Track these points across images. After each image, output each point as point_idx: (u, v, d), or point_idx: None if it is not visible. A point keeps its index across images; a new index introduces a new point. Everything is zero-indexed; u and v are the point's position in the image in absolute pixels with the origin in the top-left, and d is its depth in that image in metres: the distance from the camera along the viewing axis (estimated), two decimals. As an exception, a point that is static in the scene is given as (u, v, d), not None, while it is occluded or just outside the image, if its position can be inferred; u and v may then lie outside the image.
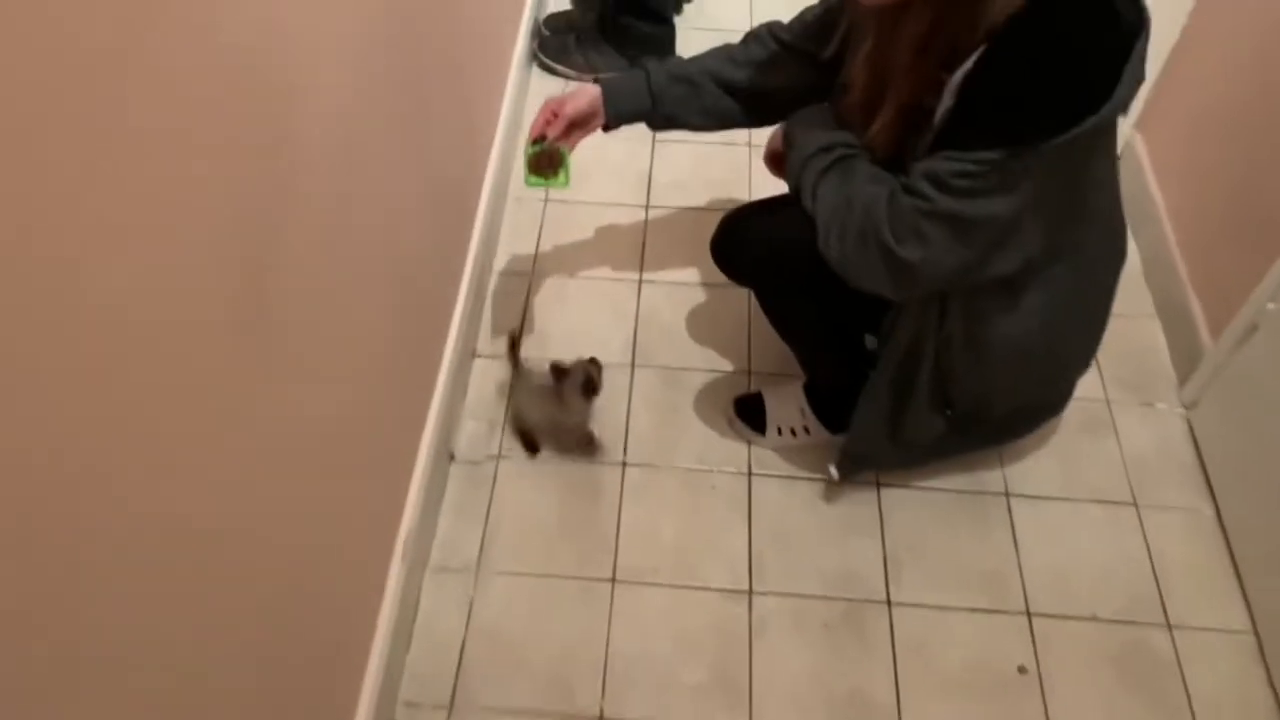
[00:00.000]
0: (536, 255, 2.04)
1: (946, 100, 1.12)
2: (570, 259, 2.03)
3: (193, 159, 0.75)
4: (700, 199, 2.15)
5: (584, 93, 1.53)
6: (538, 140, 1.57)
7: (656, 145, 2.23)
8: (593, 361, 1.66)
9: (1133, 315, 1.92)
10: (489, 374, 1.85)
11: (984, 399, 1.46)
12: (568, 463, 1.72)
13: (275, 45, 0.89)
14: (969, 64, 1.09)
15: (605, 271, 2.01)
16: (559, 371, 1.65)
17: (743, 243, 1.51)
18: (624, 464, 1.72)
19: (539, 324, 1.92)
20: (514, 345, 1.75)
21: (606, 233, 2.09)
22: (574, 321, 1.92)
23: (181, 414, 0.77)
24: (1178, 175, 1.95)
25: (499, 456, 1.73)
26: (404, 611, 1.46)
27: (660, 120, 1.55)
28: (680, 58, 1.65)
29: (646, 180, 2.18)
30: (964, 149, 1.10)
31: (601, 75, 1.66)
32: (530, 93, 2.35)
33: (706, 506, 1.67)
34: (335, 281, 1.12)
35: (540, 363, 1.69)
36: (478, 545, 1.62)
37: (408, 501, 1.50)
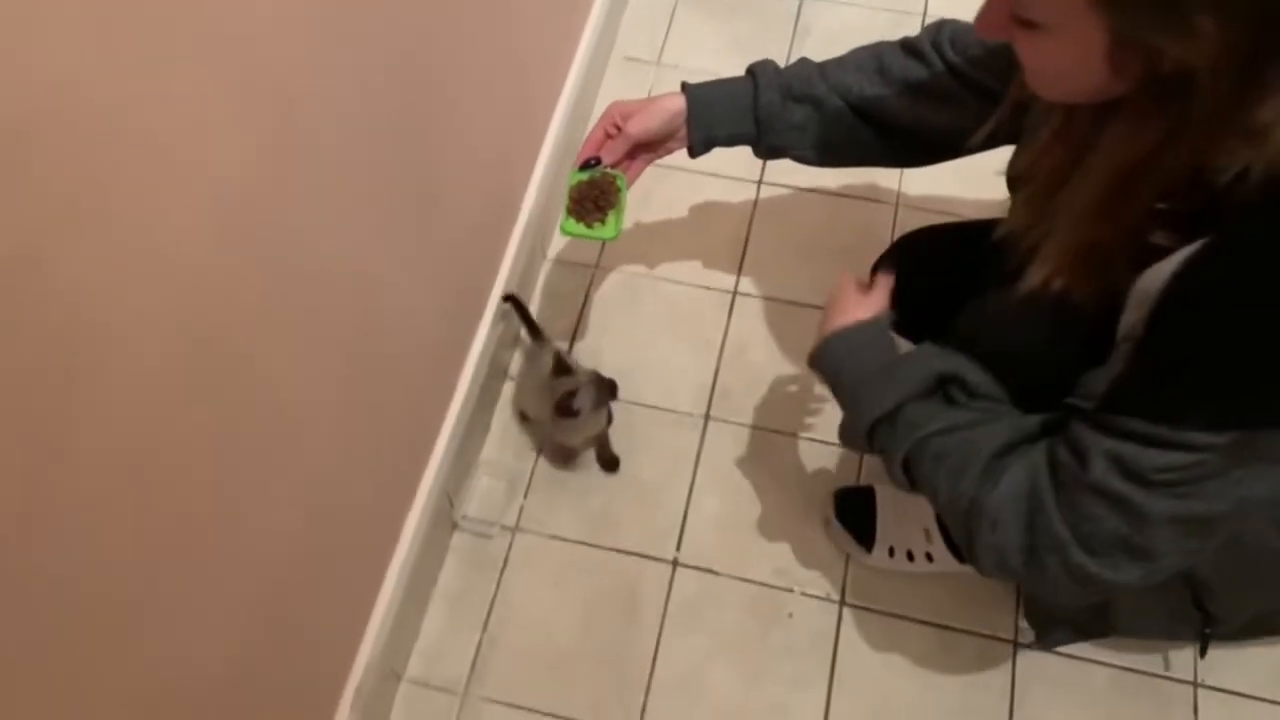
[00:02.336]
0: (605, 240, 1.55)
1: (1141, 299, 0.71)
2: (648, 247, 1.54)
3: None
4: (833, 180, 1.59)
5: (661, 106, 1.10)
6: (588, 164, 1.10)
7: (785, 93, 1.67)
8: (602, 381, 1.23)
9: None
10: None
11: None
12: (602, 549, 1.31)
13: None
14: (1181, 258, 0.68)
15: (691, 271, 1.52)
16: (561, 367, 1.23)
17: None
18: (675, 563, 1.30)
19: (592, 336, 1.47)
20: (522, 307, 1.34)
21: (701, 215, 1.58)
22: (638, 340, 1.45)
23: None
24: None
25: (515, 529, 1.33)
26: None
27: (764, 150, 1.15)
28: (807, 61, 1.11)
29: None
30: (1166, 419, 0.70)
31: (691, 83, 1.13)
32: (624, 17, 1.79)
33: (778, 644, 1.25)
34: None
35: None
36: (470, 659, 1.24)
37: (385, 583, 1.16)
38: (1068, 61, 0.69)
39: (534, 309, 1.50)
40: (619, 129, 1.11)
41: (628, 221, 1.18)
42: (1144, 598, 1.05)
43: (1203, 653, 1.08)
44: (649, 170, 1.58)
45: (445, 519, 1.29)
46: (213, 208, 0.69)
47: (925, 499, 0.96)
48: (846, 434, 0.97)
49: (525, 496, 1.35)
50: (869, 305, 1.01)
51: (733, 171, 1.60)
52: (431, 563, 1.27)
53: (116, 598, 0.68)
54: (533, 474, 1.37)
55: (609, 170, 1.13)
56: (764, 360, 1.44)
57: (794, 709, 1.21)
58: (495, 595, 1.28)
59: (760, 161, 1.60)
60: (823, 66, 1.09)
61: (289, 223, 0.80)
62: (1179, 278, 0.69)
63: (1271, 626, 1.14)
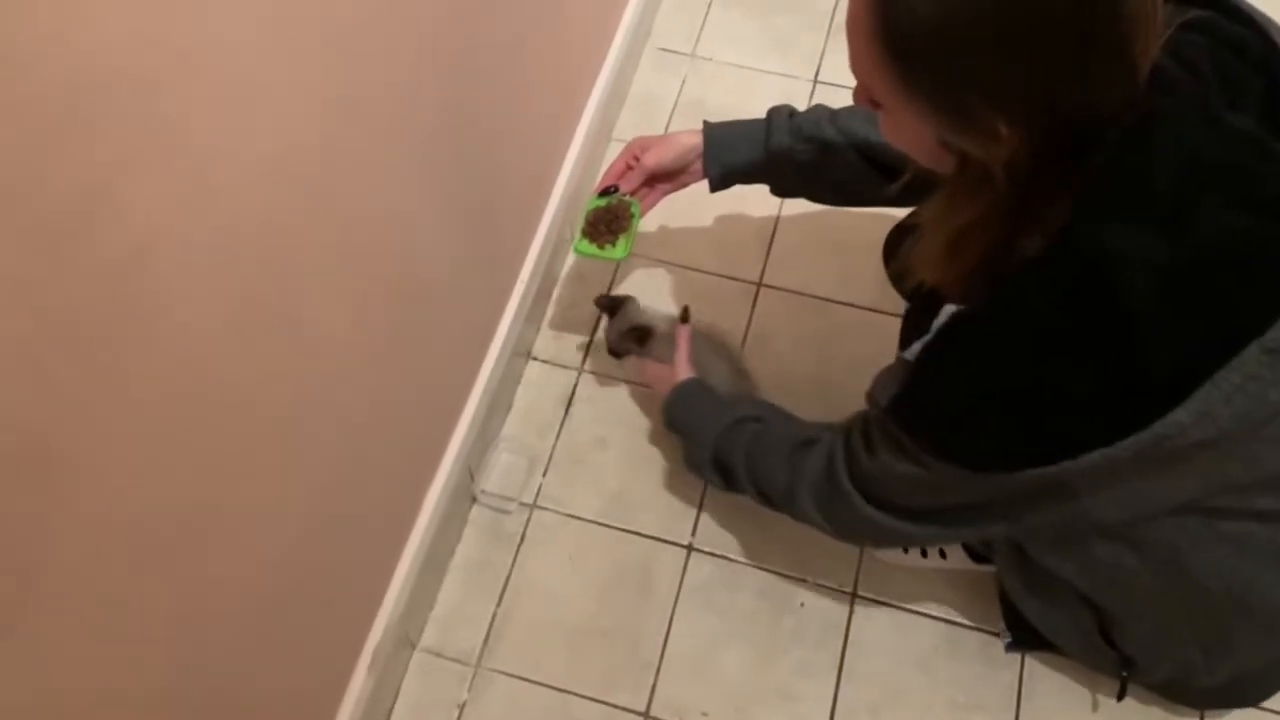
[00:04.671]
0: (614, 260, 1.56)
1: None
2: (675, 236, 1.56)
3: None
4: (861, 177, 1.60)
5: (678, 140, 1.20)
6: (607, 191, 1.23)
7: (818, 90, 1.67)
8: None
9: None
10: (546, 387, 1.43)
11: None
12: (618, 530, 1.32)
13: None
14: (948, 312, 0.78)
15: (717, 261, 1.53)
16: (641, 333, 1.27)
17: None
18: (690, 547, 1.31)
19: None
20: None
21: (731, 206, 1.58)
22: (664, 327, 1.46)
23: None
24: None
25: (533, 505, 1.34)
26: (377, 700, 1.15)
27: (778, 189, 1.25)
28: (822, 107, 1.18)
29: (795, 140, 1.64)
30: (916, 440, 0.82)
31: (710, 121, 1.22)
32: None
33: (788, 632, 1.26)
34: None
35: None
36: (483, 631, 1.26)
37: (405, 551, 1.17)
38: (906, 140, 0.80)
39: (559, 291, 1.52)
40: (638, 160, 1.20)
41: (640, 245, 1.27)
42: (1052, 616, 1.08)
43: (1120, 695, 1.09)
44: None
45: (465, 492, 1.31)
46: (267, 164, 0.70)
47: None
48: (689, 465, 1.16)
49: (544, 474, 1.36)
50: (677, 370, 1.19)
51: (763, 165, 1.61)
52: (450, 534, 1.29)
53: (149, 539, 0.69)
54: (552, 453, 1.38)
55: (625, 197, 1.22)
56: (787, 351, 1.45)
57: (802, 696, 1.22)
58: (511, 570, 1.30)
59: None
60: (835, 113, 1.16)
61: (336, 185, 0.82)
62: (937, 331, 0.78)
63: (1185, 680, 1.08)
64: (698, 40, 1.76)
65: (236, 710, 0.89)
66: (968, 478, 0.79)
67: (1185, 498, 0.79)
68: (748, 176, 1.22)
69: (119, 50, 0.53)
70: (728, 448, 1.08)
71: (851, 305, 1.48)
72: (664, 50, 1.75)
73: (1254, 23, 0.73)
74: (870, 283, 1.47)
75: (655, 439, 1.38)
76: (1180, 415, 0.66)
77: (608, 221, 1.21)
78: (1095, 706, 1.21)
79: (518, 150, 1.28)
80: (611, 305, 1.32)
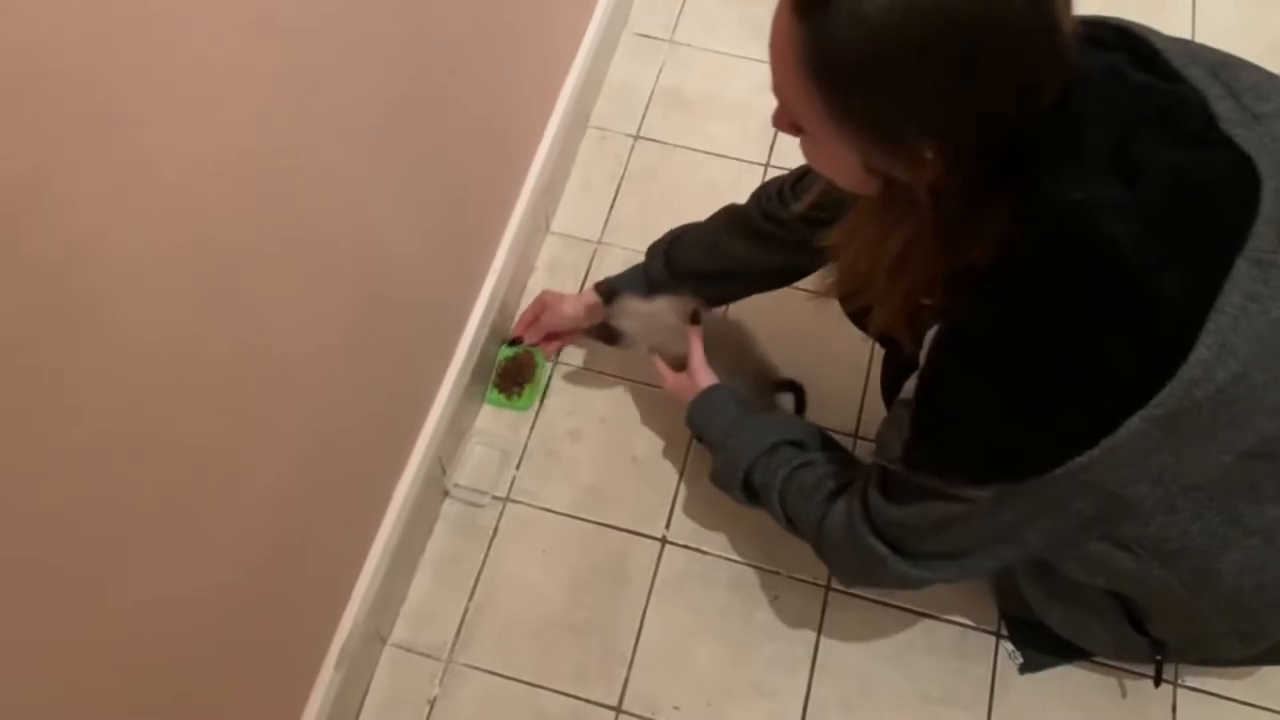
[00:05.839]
0: (611, 211, 1.55)
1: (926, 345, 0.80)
2: (653, 225, 1.53)
3: None
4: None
5: (578, 299, 1.33)
6: (516, 340, 1.38)
7: (796, 77, 1.65)
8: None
9: None
10: (517, 376, 1.42)
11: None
12: (592, 524, 1.31)
13: None
14: (929, 338, 0.78)
15: (694, 251, 1.51)
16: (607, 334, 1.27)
17: None
18: (664, 540, 1.30)
19: (593, 313, 1.46)
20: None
21: (708, 195, 1.56)
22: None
23: None
24: None
25: (506, 499, 1.33)
26: (345, 696, 1.14)
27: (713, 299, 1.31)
28: (678, 239, 1.30)
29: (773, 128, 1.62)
30: (941, 476, 0.80)
31: (608, 278, 1.35)
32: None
33: (761, 625, 1.25)
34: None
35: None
36: (455, 625, 1.25)
37: (374, 545, 1.16)
38: (829, 165, 0.79)
39: (535, 281, 1.50)
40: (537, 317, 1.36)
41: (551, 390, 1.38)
42: (1076, 618, 1.07)
43: (1156, 680, 1.06)
44: (656, 146, 1.58)
45: (436, 486, 1.29)
46: (220, 149, 0.68)
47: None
48: (717, 483, 1.12)
49: (518, 468, 1.35)
50: (696, 377, 1.17)
51: (740, 153, 1.60)
52: (421, 529, 1.27)
53: (110, 538, 0.68)
54: (526, 446, 1.37)
55: (530, 348, 1.39)
56: (763, 343, 1.44)
57: (775, 690, 1.22)
58: (483, 564, 1.28)
59: (768, 143, 1.62)
60: (669, 251, 1.27)
61: (294, 173, 0.79)
62: (927, 358, 0.77)
63: (1221, 658, 1.11)
64: (675, 26, 1.74)
65: (201, 708, 0.88)
66: (1010, 494, 0.76)
67: (1219, 469, 0.76)
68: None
69: (54, 43, 0.51)
70: (764, 477, 1.05)
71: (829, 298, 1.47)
72: (641, 36, 1.73)
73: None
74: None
75: (630, 432, 1.37)
76: (1201, 352, 0.65)
77: (514, 374, 1.37)
78: (1067, 698, 1.21)
79: (491, 138, 1.25)
80: (608, 295, 1.31)
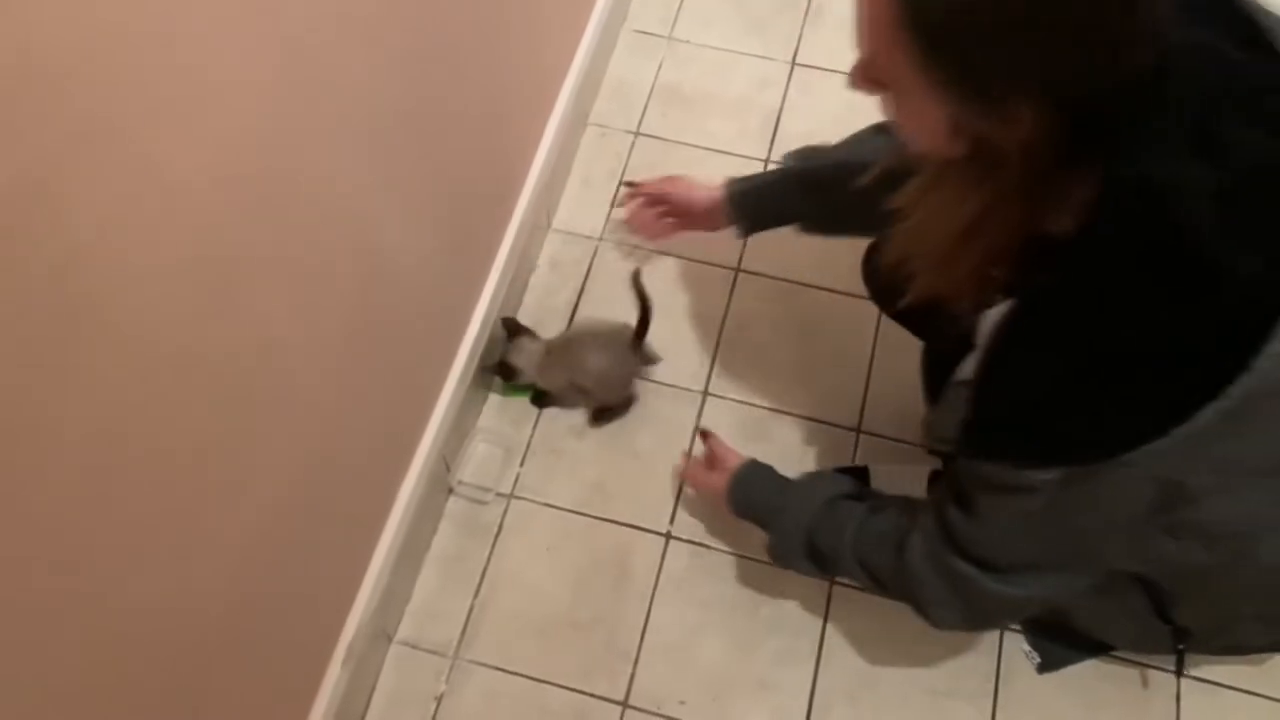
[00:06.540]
0: (612, 208, 1.55)
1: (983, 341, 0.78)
2: (653, 221, 1.54)
3: None
4: (840, 161, 1.59)
5: (709, 194, 1.21)
6: (629, 184, 1.32)
7: (796, 73, 1.66)
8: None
9: None
10: (520, 374, 1.42)
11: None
12: (596, 519, 1.31)
13: None
14: (1001, 311, 0.76)
15: (694, 246, 1.51)
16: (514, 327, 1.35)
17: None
18: (668, 536, 1.31)
19: (594, 308, 1.47)
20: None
21: (707, 190, 1.57)
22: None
23: None
24: None
25: (510, 496, 1.33)
26: (353, 693, 1.14)
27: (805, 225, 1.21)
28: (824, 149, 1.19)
29: (773, 124, 1.63)
30: (1005, 459, 0.77)
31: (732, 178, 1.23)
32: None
33: (766, 620, 1.26)
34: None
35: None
36: (461, 622, 1.25)
37: (380, 543, 1.16)
38: (913, 123, 0.75)
39: (537, 278, 1.50)
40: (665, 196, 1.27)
41: None
42: (1100, 609, 1.06)
43: (1178, 669, 1.06)
44: (656, 143, 1.58)
45: (441, 484, 1.29)
46: (221, 151, 0.69)
47: (916, 482, 1.18)
48: (776, 557, 1.08)
49: (521, 464, 1.35)
50: (729, 460, 1.14)
51: (739, 149, 1.60)
52: (426, 526, 1.28)
53: (118, 537, 0.68)
54: (530, 442, 1.37)
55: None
56: (764, 338, 1.45)
57: (780, 684, 1.22)
58: (488, 561, 1.29)
59: (767, 141, 1.62)
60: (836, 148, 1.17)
61: (296, 174, 0.80)
62: (997, 333, 0.75)
63: (1243, 644, 1.10)
64: (674, 22, 1.74)
65: (209, 706, 0.88)
66: (1076, 478, 0.74)
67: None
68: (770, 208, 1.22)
69: (56, 46, 0.51)
70: (831, 539, 1.00)
71: (830, 290, 1.48)
72: (640, 33, 1.73)
73: None
74: (848, 267, 1.46)
75: (632, 427, 1.38)
76: (1275, 346, 0.63)
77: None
78: (1071, 689, 1.21)
79: (492, 136, 1.26)
80: (512, 330, 1.35)
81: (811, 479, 1.07)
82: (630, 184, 1.31)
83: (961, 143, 0.72)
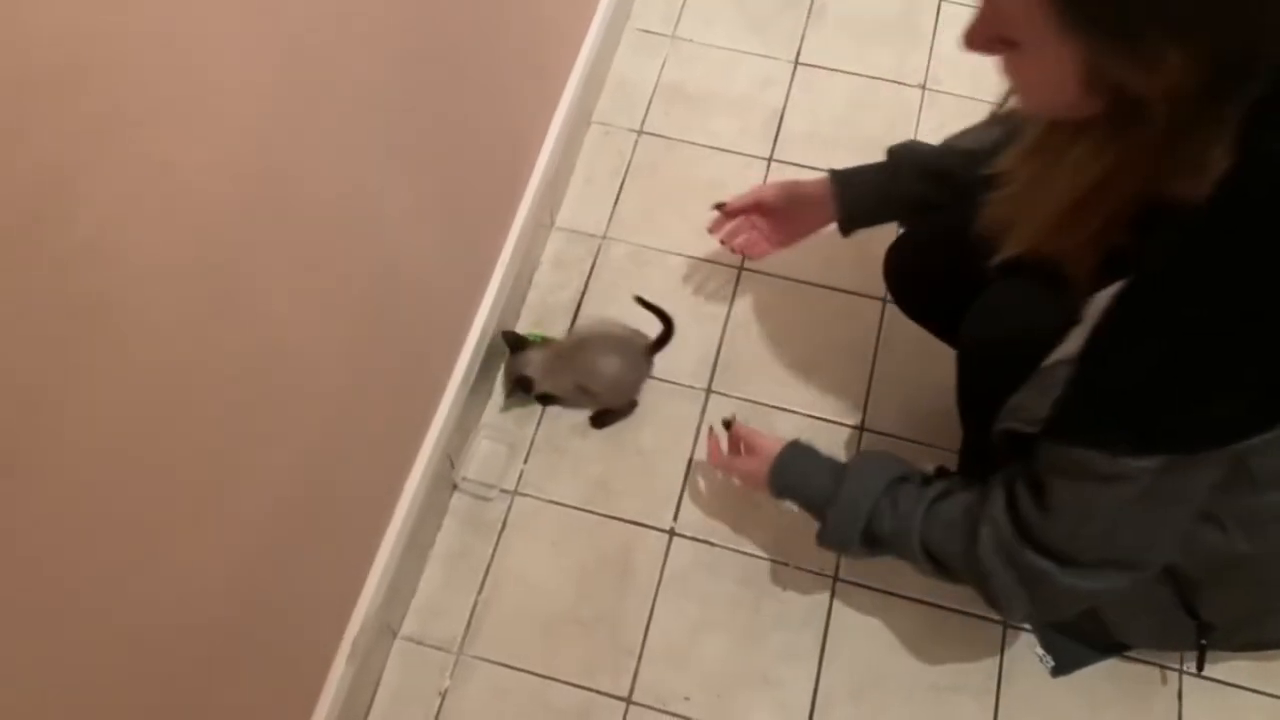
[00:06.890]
0: (616, 206, 1.55)
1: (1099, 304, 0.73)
2: (657, 218, 1.55)
3: None
4: (846, 160, 1.59)
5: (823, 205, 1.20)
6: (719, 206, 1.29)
7: (798, 72, 1.66)
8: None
9: None
10: (523, 371, 1.42)
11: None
12: (599, 516, 1.32)
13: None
14: (1115, 289, 0.72)
15: (698, 244, 1.52)
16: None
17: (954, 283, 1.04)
18: (672, 532, 1.31)
19: (597, 305, 1.48)
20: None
21: (710, 190, 1.57)
22: (643, 311, 1.44)
23: None
24: None
25: (514, 493, 1.34)
26: (358, 689, 1.14)
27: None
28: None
29: (776, 123, 1.63)
30: (1100, 445, 0.73)
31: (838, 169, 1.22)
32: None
33: (769, 616, 1.26)
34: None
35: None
36: (465, 618, 1.25)
37: (385, 539, 1.16)
38: (1043, 79, 0.71)
39: (541, 275, 1.50)
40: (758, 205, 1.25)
41: None
42: (1126, 601, 1.05)
43: (1199, 666, 1.04)
44: (659, 142, 1.58)
45: (445, 480, 1.30)
46: (230, 149, 0.69)
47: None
48: (828, 542, 1.03)
49: (525, 461, 1.36)
50: (764, 444, 1.10)
51: (742, 148, 1.60)
52: (430, 523, 1.28)
53: (124, 533, 0.68)
54: (533, 439, 1.37)
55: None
56: (767, 336, 1.45)
57: (784, 680, 1.22)
58: (492, 557, 1.29)
59: (770, 140, 1.62)
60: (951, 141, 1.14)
61: (302, 172, 0.80)
62: (1110, 309, 0.71)
63: (1266, 639, 1.09)
64: (678, 21, 1.74)
65: (215, 702, 0.88)
66: (1178, 467, 0.71)
67: None
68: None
69: (68, 44, 0.52)
70: (893, 523, 0.95)
71: (833, 288, 1.48)
72: (643, 31, 1.73)
73: None
74: (852, 267, 1.47)
75: (636, 424, 1.38)
76: None
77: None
78: (1074, 686, 1.22)
79: (496, 135, 1.26)
80: (514, 344, 1.35)
81: (864, 461, 1.03)
82: (720, 206, 1.28)
83: (1094, 97, 0.68)
